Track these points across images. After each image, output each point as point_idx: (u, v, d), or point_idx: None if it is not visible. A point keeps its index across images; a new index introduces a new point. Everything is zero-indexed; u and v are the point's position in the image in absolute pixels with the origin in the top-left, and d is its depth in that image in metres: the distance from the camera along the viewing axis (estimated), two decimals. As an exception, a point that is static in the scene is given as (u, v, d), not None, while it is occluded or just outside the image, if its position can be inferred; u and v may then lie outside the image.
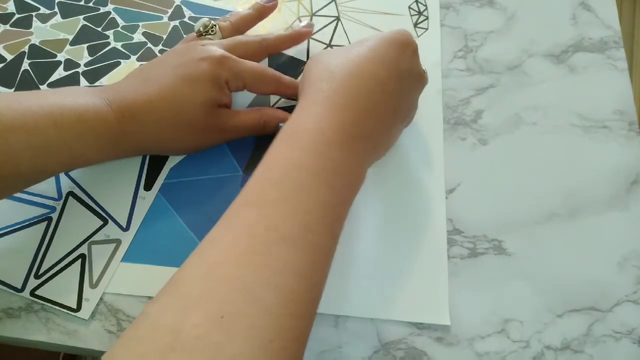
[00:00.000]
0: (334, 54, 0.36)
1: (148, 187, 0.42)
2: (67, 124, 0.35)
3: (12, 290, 0.39)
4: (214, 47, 0.40)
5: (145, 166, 0.43)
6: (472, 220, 0.42)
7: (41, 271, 0.39)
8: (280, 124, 0.42)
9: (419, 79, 0.39)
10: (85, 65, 0.47)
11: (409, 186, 0.43)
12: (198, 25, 0.43)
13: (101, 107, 0.37)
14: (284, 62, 0.48)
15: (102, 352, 0.37)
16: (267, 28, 0.49)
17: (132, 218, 0.41)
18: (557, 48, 0.49)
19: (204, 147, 0.43)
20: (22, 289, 0.39)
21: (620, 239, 0.41)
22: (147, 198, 0.42)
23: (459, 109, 0.46)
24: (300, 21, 0.50)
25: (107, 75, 0.47)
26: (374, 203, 0.42)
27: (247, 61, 0.41)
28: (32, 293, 0.38)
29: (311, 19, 0.50)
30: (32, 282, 0.39)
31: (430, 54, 0.48)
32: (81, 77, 0.47)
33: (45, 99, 0.35)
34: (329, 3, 0.51)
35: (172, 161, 0.43)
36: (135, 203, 0.42)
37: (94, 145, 0.37)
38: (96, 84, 0.46)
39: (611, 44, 0.49)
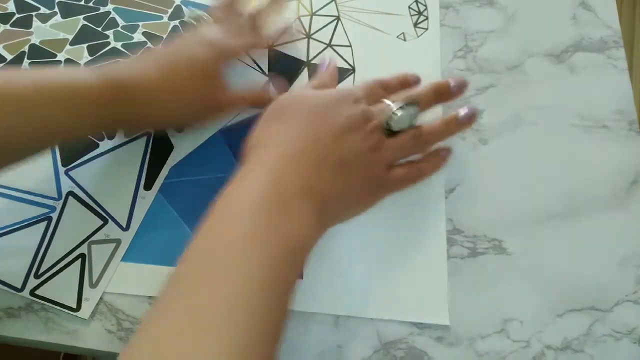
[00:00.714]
0: (275, 121, 0.37)
1: (148, 187, 0.42)
2: (62, 97, 0.35)
3: (12, 290, 0.38)
4: (208, 30, 0.42)
5: (145, 166, 0.43)
6: (472, 220, 0.42)
7: (41, 271, 0.39)
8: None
9: (357, 126, 0.37)
10: (85, 65, 0.47)
11: (408, 192, 0.42)
12: (188, 17, 0.45)
13: (94, 80, 0.37)
14: (283, 62, 0.48)
15: (102, 352, 0.38)
16: (268, 28, 0.49)
17: (132, 218, 0.41)
18: (557, 48, 0.49)
19: (194, 121, 0.43)
20: (22, 289, 0.38)
21: (620, 239, 0.41)
22: (147, 198, 0.42)
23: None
24: (301, 21, 0.50)
25: None
26: (370, 210, 0.42)
27: (238, 39, 0.42)
28: (32, 293, 0.38)
29: (311, 19, 0.50)
30: (32, 282, 0.39)
31: (430, 54, 0.48)
32: None
33: (43, 75, 0.36)
34: (329, 3, 0.51)
35: (172, 160, 0.43)
36: (135, 203, 0.42)
37: (87, 117, 0.37)
38: None
39: (611, 43, 0.49)
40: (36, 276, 0.39)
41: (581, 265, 0.41)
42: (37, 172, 0.42)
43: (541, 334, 0.39)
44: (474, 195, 0.43)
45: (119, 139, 0.44)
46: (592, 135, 0.45)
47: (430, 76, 0.47)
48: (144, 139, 0.44)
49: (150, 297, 0.39)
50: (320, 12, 0.50)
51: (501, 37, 0.49)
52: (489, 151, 0.45)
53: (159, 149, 0.44)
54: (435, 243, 0.41)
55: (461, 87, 0.41)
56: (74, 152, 0.43)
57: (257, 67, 0.47)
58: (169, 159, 0.43)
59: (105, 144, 0.44)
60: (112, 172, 0.42)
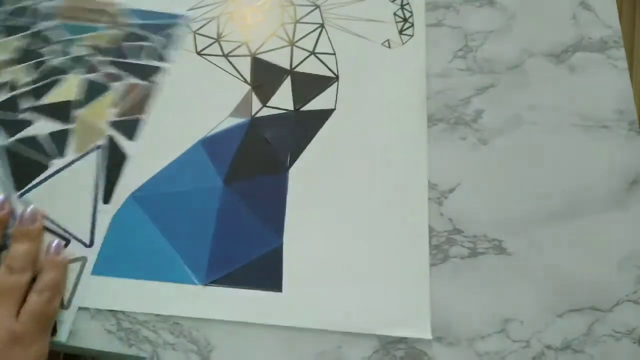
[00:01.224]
0: None
1: (107, 200, 0.41)
2: None
3: None
4: None
5: (102, 179, 0.41)
6: (472, 220, 0.42)
7: None
8: None
9: None
10: (26, 84, 0.44)
11: (390, 196, 0.42)
12: None
13: None
14: (266, 70, 0.47)
15: (102, 352, 0.38)
16: (252, 34, 0.48)
17: (94, 233, 0.40)
18: (557, 48, 0.49)
19: None
20: None
21: (620, 239, 0.41)
22: (107, 212, 0.40)
23: (459, 108, 0.46)
24: (285, 29, 0.49)
25: (50, 93, 0.44)
26: (352, 213, 0.42)
27: None
28: None
29: (295, 27, 0.49)
30: None
31: (415, 61, 0.47)
32: (22, 98, 0.44)
33: None
34: (313, 10, 0.50)
35: (130, 170, 0.42)
36: (96, 218, 0.40)
37: None
38: (40, 102, 0.44)
39: (611, 43, 0.49)
40: None
41: (581, 265, 0.41)
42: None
43: (541, 334, 0.39)
44: (474, 195, 0.43)
45: (70, 156, 0.42)
46: (592, 135, 0.45)
47: (415, 83, 0.46)
48: (95, 153, 0.42)
49: (123, 312, 0.38)
50: (304, 20, 0.49)
51: (501, 37, 0.49)
52: (489, 151, 0.45)
53: (112, 160, 0.42)
54: (418, 255, 0.40)
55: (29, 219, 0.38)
56: (24, 175, 0.41)
57: (239, 76, 0.47)
58: (125, 168, 0.42)
59: (55, 163, 0.42)
60: (67, 190, 0.41)
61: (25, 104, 0.44)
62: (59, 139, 0.43)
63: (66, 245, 0.39)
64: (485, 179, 0.43)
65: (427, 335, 0.38)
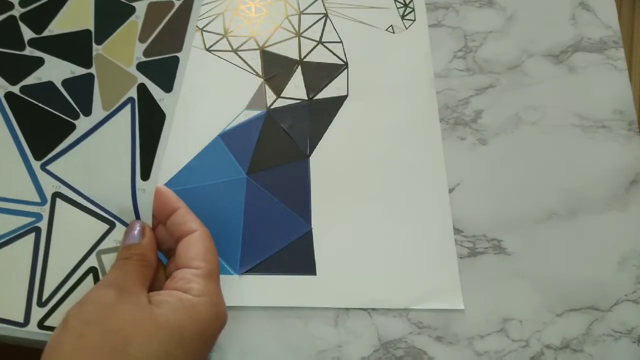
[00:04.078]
0: None
1: (145, 176, 0.33)
2: None
3: (13, 327, 0.31)
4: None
5: (137, 148, 0.33)
6: (472, 220, 0.42)
7: (45, 296, 0.31)
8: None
9: None
10: (21, 4, 0.32)
11: (409, 173, 0.43)
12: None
13: None
14: (275, 61, 0.47)
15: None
16: (256, 30, 0.49)
17: (139, 216, 0.33)
18: (557, 48, 0.49)
19: None
20: (26, 323, 0.31)
21: (620, 239, 0.42)
22: (147, 190, 0.33)
23: (459, 108, 0.46)
24: (290, 21, 0.50)
25: (57, 17, 0.32)
26: (375, 193, 0.43)
27: None
28: (40, 325, 0.31)
29: (299, 18, 0.50)
30: (38, 312, 0.31)
31: (420, 45, 0.48)
32: (20, 23, 0.32)
33: None
34: (316, 0, 0.50)
35: (163, 145, 0.34)
36: (137, 197, 0.33)
37: None
38: (45, 33, 0.32)
39: (610, 43, 0.49)
40: (40, 304, 0.31)
41: (581, 265, 0.41)
42: (4, 172, 0.32)
43: (540, 334, 0.39)
44: (474, 195, 0.43)
45: (97, 114, 0.33)
46: (592, 135, 0.45)
47: (422, 65, 0.47)
48: (125, 110, 0.33)
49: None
50: (307, 11, 0.50)
51: (500, 38, 0.49)
52: (488, 151, 0.45)
53: (146, 120, 0.33)
54: (442, 230, 0.42)
55: None
56: (46, 139, 0.32)
57: (251, 70, 0.47)
58: (160, 140, 0.33)
59: (82, 123, 0.32)
60: (99, 160, 0.33)
61: (25, 32, 0.32)
62: (81, 90, 0.32)
63: (111, 231, 0.33)
64: (485, 179, 0.44)
65: (460, 305, 0.39)
